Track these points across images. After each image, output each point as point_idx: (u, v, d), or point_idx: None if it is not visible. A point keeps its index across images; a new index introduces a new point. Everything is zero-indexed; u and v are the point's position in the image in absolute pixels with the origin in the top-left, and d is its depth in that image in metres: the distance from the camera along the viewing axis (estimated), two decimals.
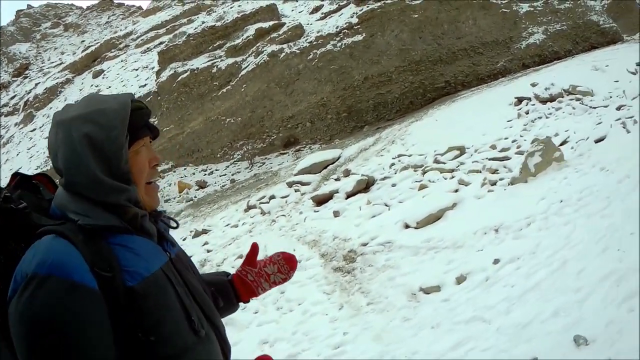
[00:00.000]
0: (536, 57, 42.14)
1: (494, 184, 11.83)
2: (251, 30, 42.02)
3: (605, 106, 15.87)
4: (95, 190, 1.60)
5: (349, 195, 16.50)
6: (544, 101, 19.80)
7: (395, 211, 12.68)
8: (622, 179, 8.23)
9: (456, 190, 12.53)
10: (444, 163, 16.27)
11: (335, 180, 20.01)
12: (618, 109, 14.41)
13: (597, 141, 11.95)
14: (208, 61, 42.48)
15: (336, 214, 14.67)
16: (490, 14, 42.08)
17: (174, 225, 1.91)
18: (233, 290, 2.18)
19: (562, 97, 19.52)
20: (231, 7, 47.92)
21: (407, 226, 11.01)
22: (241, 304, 2.26)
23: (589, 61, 26.86)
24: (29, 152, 55.92)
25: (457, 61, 39.35)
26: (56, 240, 1.48)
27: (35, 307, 1.36)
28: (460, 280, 7.51)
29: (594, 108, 16.41)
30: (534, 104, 19.97)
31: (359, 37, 37.82)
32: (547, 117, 17.76)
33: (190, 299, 1.71)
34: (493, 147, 16.19)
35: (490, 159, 14.62)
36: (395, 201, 13.86)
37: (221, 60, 42.12)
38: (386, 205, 13.77)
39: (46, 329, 1.34)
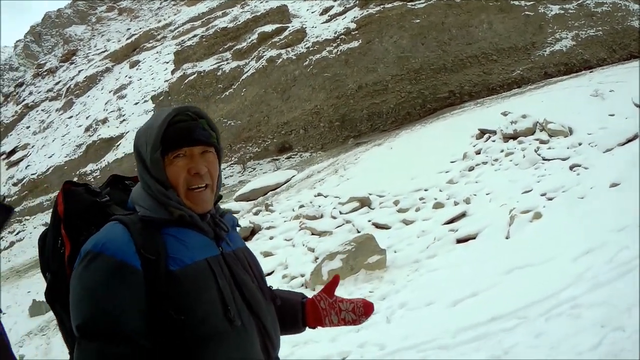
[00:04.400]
0: (561, 66, 40.41)
1: (292, 279, 11.40)
2: (255, 33, 42.75)
3: (564, 159, 13.83)
4: (146, 187, 1.91)
5: None
6: (507, 138, 17.99)
7: None
8: None
9: (269, 273, 12.30)
10: (334, 218, 16.09)
11: (254, 214, 20.25)
12: (572, 168, 12.63)
13: (460, 241, 10.54)
14: (215, 63, 43.50)
15: None
16: (510, 17, 40.70)
17: (225, 228, 2.07)
18: (302, 312, 2.33)
19: (527, 135, 17.40)
20: (253, 6, 48.94)
21: None
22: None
23: (596, 81, 25.04)
24: (62, 140, 58.74)
25: (465, 69, 38.38)
26: (114, 225, 1.78)
27: (84, 278, 1.69)
28: None
29: (547, 160, 14.41)
30: (494, 140, 18.43)
31: (355, 44, 37.63)
32: (492, 164, 16.16)
33: (234, 291, 1.91)
34: (396, 202, 15.65)
35: (372, 224, 14.28)
36: None
37: (227, 63, 43.06)
38: None
39: (87, 298, 1.67)
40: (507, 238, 9.54)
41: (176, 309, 1.71)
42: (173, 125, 1.91)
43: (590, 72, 35.44)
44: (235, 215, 2.22)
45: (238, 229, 2.27)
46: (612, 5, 44.81)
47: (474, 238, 10.31)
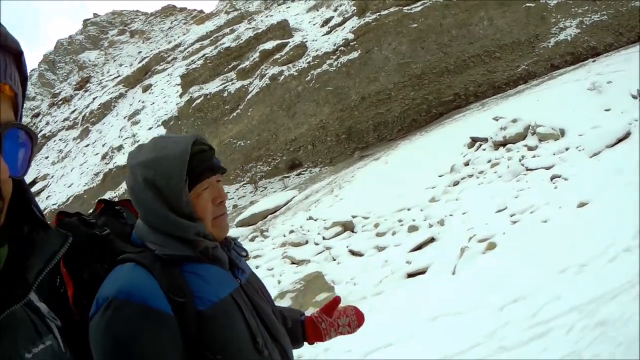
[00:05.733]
0: (568, 56, 40.41)
1: None
2: (257, 51, 43.71)
3: (548, 167, 13.57)
4: (168, 227, 1.81)
5: None
6: (497, 145, 17.86)
7: None
8: None
9: None
10: (317, 244, 16.59)
11: (250, 240, 20.87)
12: (552, 179, 12.40)
13: (410, 275, 10.58)
14: (221, 85, 44.68)
15: None
16: (511, 11, 40.78)
17: (244, 254, 2.13)
18: (302, 330, 2.39)
19: (518, 140, 17.19)
20: (259, 21, 49.94)
21: None
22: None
23: (595, 73, 24.00)
24: (80, 169, 60.47)
25: (468, 70, 38.69)
26: (135, 268, 1.67)
27: (115, 328, 1.56)
28: None
29: (530, 170, 14.22)
30: (484, 149, 18.39)
31: (354, 54, 38.25)
32: (477, 177, 16.19)
33: (258, 321, 1.91)
34: (376, 225, 15.95)
35: (349, 250, 14.66)
36: None
37: (232, 84, 44.19)
38: None
39: (124, 349, 1.56)
40: (453, 274, 9.49)
41: (211, 350, 1.70)
42: (194, 156, 1.88)
43: (593, 61, 35.05)
44: None
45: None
46: None
47: (424, 272, 10.35)
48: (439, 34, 38.91)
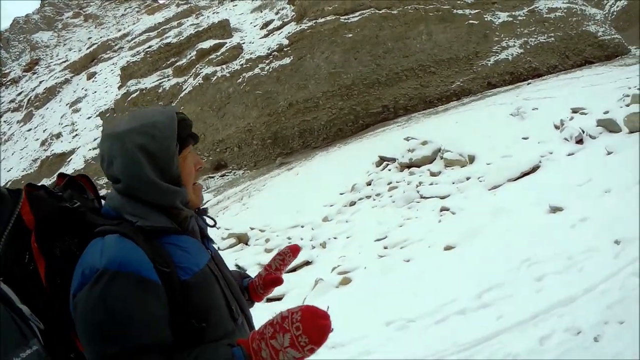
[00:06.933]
0: (507, 75, 41.07)
1: None
2: (195, 50, 44.26)
3: (442, 197, 13.38)
4: (155, 194, 1.84)
5: None
6: (403, 167, 17.63)
7: None
8: None
9: None
10: None
11: None
12: (441, 211, 12.19)
13: (270, 300, 9.84)
14: (157, 80, 45.24)
15: None
16: (452, 27, 41.36)
17: (212, 223, 2.20)
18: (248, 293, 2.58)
19: (425, 163, 16.93)
20: (206, 16, 50.41)
21: None
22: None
23: (523, 97, 24.43)
24: (21, 153, 60.62)
25: (401, 83, 39.11)
26: (122, 239, 1.70)
27: (109, 298, 1.59)
28: None
29: (424, 198, 13.99)
30: (390, 170, 18.23)
31: (287, 60, 38.74)
32: (373, 199, 16.04)
33: (229, 291, 2.01)
34: (267, 240, 15.65)
35: (235, 265, 14.03)
36: None
37: (168, 80, 44.74)
38: None
39: (119, 319, 1.59)
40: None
41: (196, 318, 1.77)
42: (179, 123, 1.95)
43: (528, 84, 35.85)
44: None
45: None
46: (567, 10, 45.20)
47: (281, 299, 10.05)
48: (374, 45, 39.34)
